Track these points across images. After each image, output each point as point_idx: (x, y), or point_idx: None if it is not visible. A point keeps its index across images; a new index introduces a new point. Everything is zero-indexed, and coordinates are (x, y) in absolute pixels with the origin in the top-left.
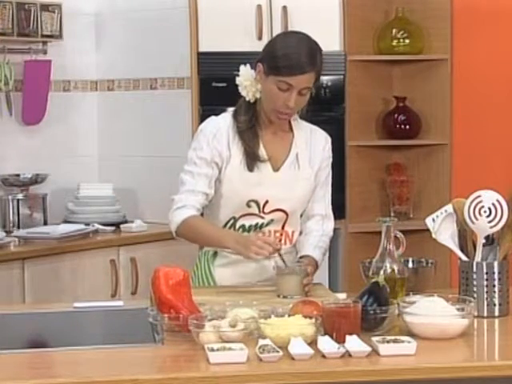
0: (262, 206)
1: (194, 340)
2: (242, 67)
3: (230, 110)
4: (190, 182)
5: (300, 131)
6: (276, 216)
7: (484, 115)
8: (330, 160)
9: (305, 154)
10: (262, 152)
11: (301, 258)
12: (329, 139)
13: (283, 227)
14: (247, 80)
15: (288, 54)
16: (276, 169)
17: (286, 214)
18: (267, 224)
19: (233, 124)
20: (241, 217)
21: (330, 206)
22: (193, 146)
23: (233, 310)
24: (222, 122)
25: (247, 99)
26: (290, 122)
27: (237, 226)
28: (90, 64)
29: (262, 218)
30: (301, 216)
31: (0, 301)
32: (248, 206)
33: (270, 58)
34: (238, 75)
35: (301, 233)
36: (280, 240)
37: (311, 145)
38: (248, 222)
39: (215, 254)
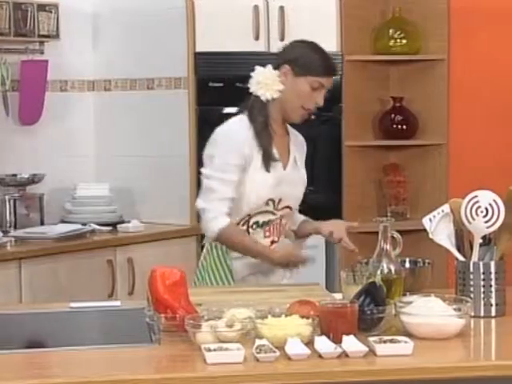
0: (276, 204)
1: (191, 340)
2: (258, 67)
3: (242, 114)
4: (219, 189)
5: (291, 134)
6: (285, 212)
7: (481, 115)
8: None
9: (298, 155)
10: (275, 151)
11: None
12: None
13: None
14: (268, 79)
15: (325, 57)
16: (285, 168)
17: (291, 211)
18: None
19: (250, 126)
20: (256, 214)
21: None
22: (220, 152)
23: (229, 310)
24: (240, 126)
25: (263, 98)
26: (286, 126)
27: (250, 223)
28: (87, 64)
29: (275, 214)
30: None
31: None
32: (266, 204)
33: (305, 60)
34: (250, 76)
35: None
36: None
37: (299, 148)
38: (262, 218)
39: None
